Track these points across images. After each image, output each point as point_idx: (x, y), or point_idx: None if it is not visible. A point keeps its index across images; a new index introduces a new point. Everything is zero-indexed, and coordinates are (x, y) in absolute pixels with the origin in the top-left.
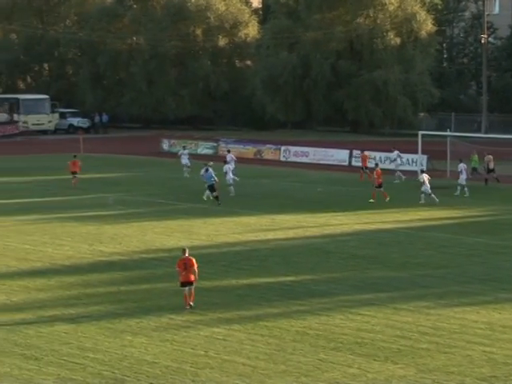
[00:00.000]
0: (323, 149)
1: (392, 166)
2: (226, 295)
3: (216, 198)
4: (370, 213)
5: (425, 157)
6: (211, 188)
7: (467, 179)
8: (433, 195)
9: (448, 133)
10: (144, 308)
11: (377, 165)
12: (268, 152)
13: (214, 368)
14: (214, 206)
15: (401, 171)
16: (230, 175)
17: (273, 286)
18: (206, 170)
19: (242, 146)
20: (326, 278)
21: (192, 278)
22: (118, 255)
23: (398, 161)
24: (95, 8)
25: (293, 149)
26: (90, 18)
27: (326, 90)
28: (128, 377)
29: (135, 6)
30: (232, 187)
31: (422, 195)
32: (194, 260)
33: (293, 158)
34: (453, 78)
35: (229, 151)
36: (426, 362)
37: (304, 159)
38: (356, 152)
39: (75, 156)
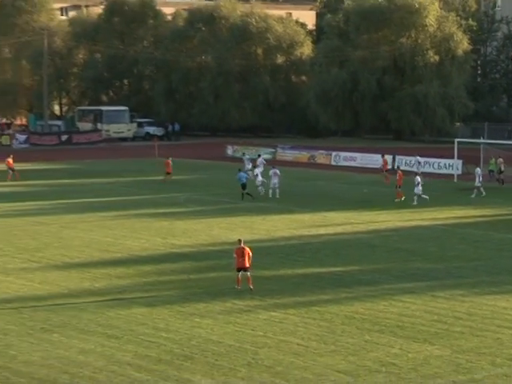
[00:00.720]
0: (369, 154)
1: (415, 169)
2: (283, 283)
3: (248, 194)
4: (410, 211)
5: (460, 161)
6: (243, 186)
7: (482, 181)
8: (424, 196)
9: (481, 140)
10: (210, 294)
11: (398, 167)
12: (320, 157)
13: (271, 347)
14: (270, 203)
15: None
16: (260, 178)
17: (324, 276)
18: (241, 171)
19: (297, 152)
20: (371, 269)
21: (247, 264)
22: (188, 247)
23: (419, 165)
24: (169, 30)
25: (342, 154)
26: (164, 40)
27: (372, 102)
28: (196, 354)
29: (204, 28)
30: (261, 187)
31: (415, 197)
32: (248, 249)
33: (342, 163)
34: (486, 91)
35: (259, 155)
36: (461, 343)
37: (352, 163)
38: (398, 157)
39: (168, 158)
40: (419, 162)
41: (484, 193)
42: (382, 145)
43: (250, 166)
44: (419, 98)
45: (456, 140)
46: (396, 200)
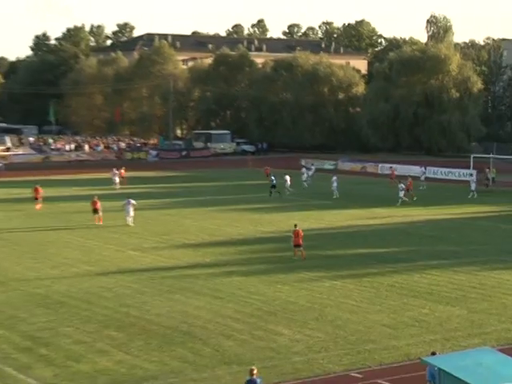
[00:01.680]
0: (406, 165)
1: (422, 178)
2: (342, 260)
3: (278, 192)
4: (436, 208)
5: (475, 171)
6: (273, 186)
7: (477, 186)
8: (405, 198)
9: (491, 155)
10: (288, 267)
11: (410, 176)
12: (370, 167)
13: (333, 307)
14: (326, 201)
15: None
16: (288, 182)
17: (372, 255)
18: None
19: (353, 164)
20: (407, 250)
21: (300, 241)
22: (272, 233)
23: (424, 174)
24: (260, 75)
25: (386, 165)
26: (256, 82)
27: (409, 127)
28: (278, 311)
29: (285, 73)
30: (287, 189)
31: (400, 200)
32: (301, 231)
33: (386, 172)
34: (495, 119)
35: (308, 164)
36: (474, 306)
37: (423, 171)
38: (429, 168)
39: (267, 167)
40: (424, 172)
41: (470, 196)
42: (415, 159)
43: (310, 173)
44: (444, 124)
45: (472, 155)
46: (407, 199)
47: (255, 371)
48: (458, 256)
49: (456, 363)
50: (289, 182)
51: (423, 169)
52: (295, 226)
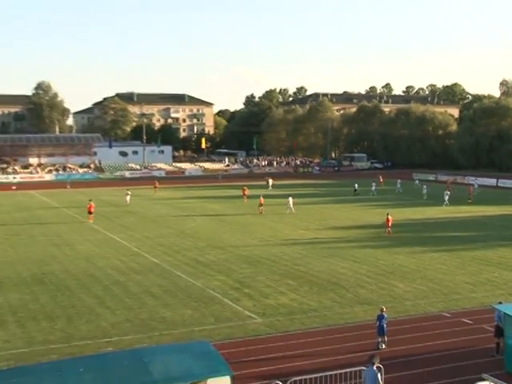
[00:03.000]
0: (484, 178)
1: (476, 186)
2: (438, 239)
3: (357, 194)
4: (505, 206)
5: None
6: (355, 190)
7: None
8: (446, 201)
9: None
10: (403, 243)
11: (471, 185)
12: (459, 179)
13: (431, 270)
14: (428, 201)
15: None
16: (373, 188)
17: (458, 237)
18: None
19: (447, 176)
20: (483, 234)
21: (389, 224)
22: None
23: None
24: (386, 118)
25: (470, 177)
26: (384, 123)
27: (486, 153)
28: (396, 271)
29: (403, 117)
30: (374, 191)
31: (446, 202)
32: (391, 218)
33: (469, 181)
34: None
35: (416, 178)
36: None
37: (476, 182)
38: (501, 180)
39: (380, 175)
40: (476, 183)
41: None
42: (490, 173)
43: (417, 182)
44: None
45: None
46: (469, 201)
47: (384, 309)
48: None
49: None
50: (374, 188)
51: (476, 180)
52: (387, 214)
